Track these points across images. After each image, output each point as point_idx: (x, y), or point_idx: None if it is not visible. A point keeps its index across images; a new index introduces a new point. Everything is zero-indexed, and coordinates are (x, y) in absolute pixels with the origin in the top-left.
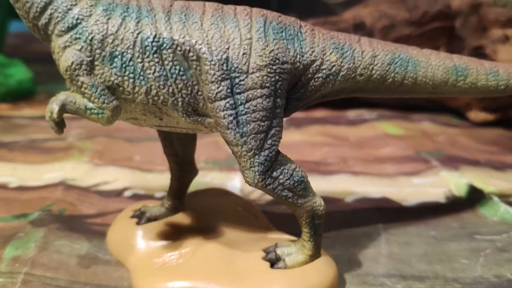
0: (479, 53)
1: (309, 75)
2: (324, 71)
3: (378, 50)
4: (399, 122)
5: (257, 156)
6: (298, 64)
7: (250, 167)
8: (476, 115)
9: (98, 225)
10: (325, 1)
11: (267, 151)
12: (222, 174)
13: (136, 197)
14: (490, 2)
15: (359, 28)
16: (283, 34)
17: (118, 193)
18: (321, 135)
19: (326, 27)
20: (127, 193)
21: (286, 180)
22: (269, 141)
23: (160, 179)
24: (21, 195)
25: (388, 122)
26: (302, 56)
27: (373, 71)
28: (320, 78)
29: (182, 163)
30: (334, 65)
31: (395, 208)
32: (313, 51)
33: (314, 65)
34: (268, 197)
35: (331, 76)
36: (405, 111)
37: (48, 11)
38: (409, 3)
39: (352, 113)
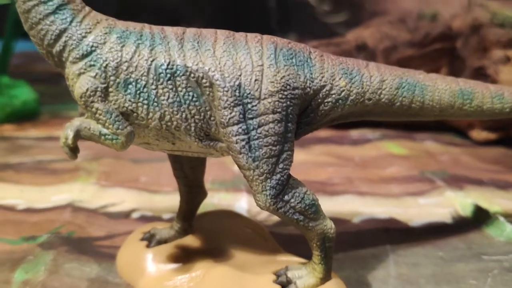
0: (481, 73)
1: (319, 100)
2: (333, 96)
3: (386, 75)
4: (402, 142)
5: (269, 180)
6: (308, 89)
7: (262, 191)
8: (478, 134)
9: (107, 247)
10: (325, 20)
11: (278, 175)
12: (229, 195)
13: (144, 219)
14: (490, 23)
15: (362, 50)
16: (293, 60)
17: (126, 215)
18: (325, 155)
19: (329, 49)
20: (135, 215)
21: (298, 203)
22: (280, 165)
23: (167, 200)
24: (29, 217)
25: (392, 141)
26: (312, 82)
27: (381, 96)
28: (330, 103)
29: (192, 186)
30: (343, 90)
31: (402, 229)
32: (322, 77)
33: (324, 90)
34: (275, 218)
35: (340, 101)
36: (408, 131)
37: (63, 39)
38: (410, 24)
39: (355, 133)
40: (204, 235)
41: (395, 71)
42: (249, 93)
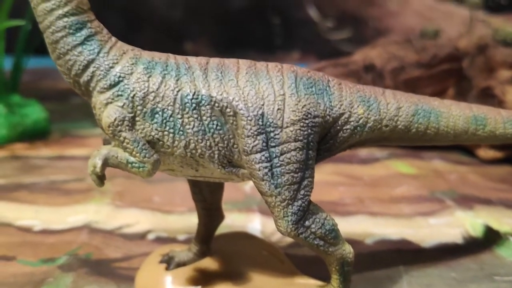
0: (487, 93)
1: (338, 127)
2: (352, 123)
3: (402, 102)
4: (410, 161)
5: (290, 206)
6: (328, 117)
7: (284, 217)
8: (485, 153)
9: (125, 269)
10: (329, 37)
11: (300, 201)
12: (242, 215)
13: (159, 240)
14: (496, 44)
15: (369, 70)
16: (313, 89)
17: (141, 236)
18: (335, 174)
19: (337, 69)
20: (150, 236)
21: (318, 229)
22: (302, 192)
23: (181, 221)
24: (46, 238)
25: (400, 160)
26: (332, 110)
27: (398, 122)
28: (349, 130)
29: (210, 209)
30: (362, 117)
31: (415, 250)
32: (341, 105)
33: (343, 117)
34: (289, 240)
35: (358, 128)
36: (415, 150)
37: (91, 69)
38: (417, 44)
39: (363, 152)
40: (221, 257)
41: (411, 98)
42: (272, 122)
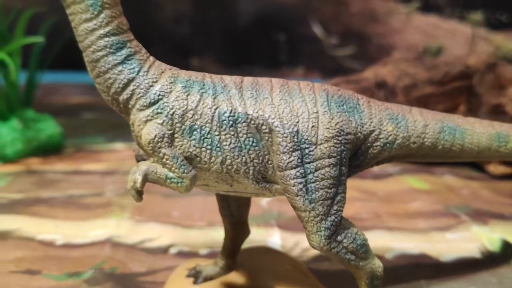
0: (499, 111)
1: (368, 144)
2: (381, 140)
3: (428, 120)
4: (423, 176)
5: (323, 221)
6: (359, 134)
7: (317, 232)
8: (496, 168)
9: (150, 283)
10: (333, 54)
11: (333, 217)
12: (261, 230)
13: (181, 254)
14: (504, 62)
15: (381, 87)
16: (344, 107)
17: (164, 250)
18: (351, 189)
19: (349, 86)
20: (172, 250)
21: (350, 243)
22: (335, 207)
23: (201, 236)
24: (69, 252)
25: (412, 176)
26: (362, 127)
27: (425, 139)
28: (378, 147)
29: (237, 224)
30: (391, 134)
31: (434, 264)
32: (371, 122)
33: (373, 134)
34: (311, 254)
35: (388, 145)
36: (427, 165)
37: (130, 87)
38: (427, 62)
39: (376, 167)
40: (247, 272)
41: (436, 115)
42: (307, 139)
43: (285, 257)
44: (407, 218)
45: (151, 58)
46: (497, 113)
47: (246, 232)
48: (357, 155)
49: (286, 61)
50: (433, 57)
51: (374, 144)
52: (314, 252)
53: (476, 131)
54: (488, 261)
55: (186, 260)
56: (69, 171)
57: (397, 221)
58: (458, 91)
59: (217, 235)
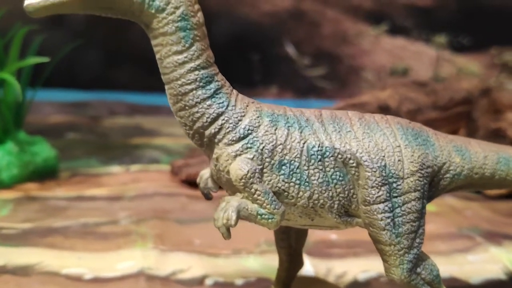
0: (498, 135)
1: (440, 176)
2: (451, 172)
3: (486, 151)
4: None
5: (406, 255)
6: (435, 167)
7: (399, 265)
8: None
9: None
10: (305, 74)
11: (415, 249)
12: None
13: (218, 285)
14: (499, 87)
15: (384, 111)
16: (419, 140)
17: (199, 282)
18: None
19: (355, 109)
20: (208, 282)
21: (427, 275)
22: (417, 240)
23: (231, 265)
24: (102, 287)
25: None
26: (436, 159)
27: (485, 170)
28: (448, 178)
29: (294, 255)
30: (458, 166)
31: (466, 287)
32: (442, 155)
33: (444, 167)
34: (346, 281)
35: (456, 176)
36: None
37: (219, 122)
38: (426, 86)
39: None
40: None
41: (491, 146)
42: (394, 173)
43: (331, 285)
44: (427, 241)
45: (234, 90)
46: (496, 137)
47: (301, 263)
48: (430, 187)
49: (260, 80)
50: (403, 77)
51: (445, 176)
52: (349, 278)
53: None
54: None
55: None
56: (72, 197)
57: None
58: (459, 115)
59: (246, 263)
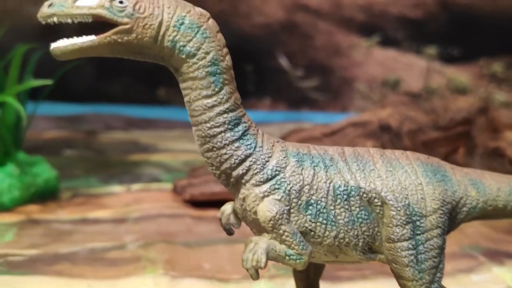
0: (497, 154)
1: (458, 210)
2: (467, 205)
3: (498, 183)
4: None
5: None
6: (453, 202)
7: None
8: None
9: None
10: (298, 85)
11: (436, 284)
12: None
13: None
14: (497, 106)
15: (386, 130)
16: (438, 176)
17: None
18: None
19: (358, 129)
20: None
21: None
22: (438, 275)
23: None
24: None
25: None
26: (454, 195)
27: (498, 202)
28: (464, 212)
29: (311, 286)
30: (474, 200)
31: None
32: (460, 189)
33: (461, 201)
34: None
35: (471, 209)
36: None
37: (247, 163)
38: (425, 106)
39: None
40: None
41: (502, 178)
42: (418, 211)
43: None
44: None
45: (260, 130)
46: (495, 156)
47: None
48: (448, 221)
49: (253, 91)
50: (394, 89)
51: (462, 210)
52: None
53: None
54: None
55: None
56: (76, 220)
57: None
58: (459, 135)
59: None
